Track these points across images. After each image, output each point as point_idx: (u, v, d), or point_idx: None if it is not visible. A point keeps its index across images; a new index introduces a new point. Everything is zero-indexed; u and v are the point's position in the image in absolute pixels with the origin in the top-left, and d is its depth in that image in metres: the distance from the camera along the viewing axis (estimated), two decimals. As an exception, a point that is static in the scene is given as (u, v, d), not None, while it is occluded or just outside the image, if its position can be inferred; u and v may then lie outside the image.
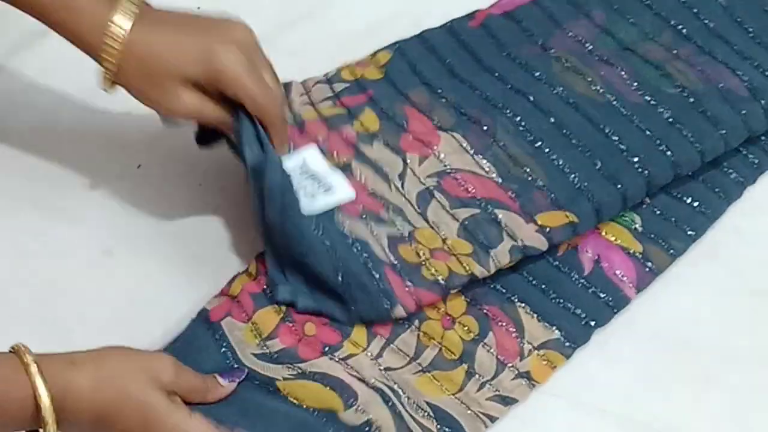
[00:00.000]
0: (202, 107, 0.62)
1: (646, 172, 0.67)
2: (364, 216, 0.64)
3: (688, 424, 0.62)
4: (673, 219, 0.70)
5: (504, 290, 0.65)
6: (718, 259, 0.69)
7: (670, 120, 0.70)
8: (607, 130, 0.69)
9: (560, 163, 0.68)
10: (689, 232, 0.69)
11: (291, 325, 0.62)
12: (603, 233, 0.69)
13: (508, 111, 0.70)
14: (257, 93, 0.61)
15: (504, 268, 0.66)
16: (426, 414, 0.59)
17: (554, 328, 0.64)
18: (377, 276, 0.61)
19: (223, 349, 0.60)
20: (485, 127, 0.69)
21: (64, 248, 0.68)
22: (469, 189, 0.66)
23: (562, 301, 0.65)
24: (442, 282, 0.62)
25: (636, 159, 0.68)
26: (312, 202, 0.64)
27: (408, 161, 0.67)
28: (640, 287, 0.67)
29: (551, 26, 0.76)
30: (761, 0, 0.78)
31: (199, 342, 0.61)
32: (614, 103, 0.71)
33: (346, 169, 0.67)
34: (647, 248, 0.68)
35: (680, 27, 0.76)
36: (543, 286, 0.66)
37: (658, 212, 0.70)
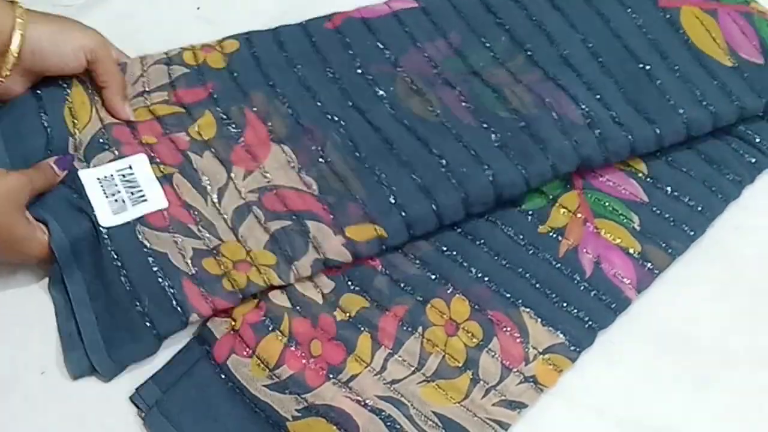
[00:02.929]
0: None
1: (462, 190, 0.67)
2: (170, 227, 0.65)
3: (688, 424, 0.62)
4: (671, 218, 0.70)
5: (508, 295, 0.66)
6: (718, 259, 0.69)
7: (498, 143, 0.69)
8: (431, 146, 0.69)
9: (380, 176, 0.68)
10: (689, 232, 0.69)
11: (295, 348, 0.62)
12: (602, 233, 0.69)
13: (341, 125, 0.70)
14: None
15: (507, 271, 0.67)
16: (433, 424, 0.60)
17: (559, 332, 0.64)
18: (171, 286, 0.62)
19: (230, 383, 0.61)
20: (316, 140, 0.69)
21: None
22: (288, 204, 0.67)
23: (565, 305, 0.66)
24: (238, 292, 0.63)
25: (454, 175, 0.67)
26: (121, 210, 0.65)
27: (233, 175, 0.68)
28: (640, 288, 0.67)
29: (407, 43, 0.75)
30: (622, 31, 0.76)
31: (206, 382, 0.61)
32: (446, 123, 0.70)
33: (168, 178, 0.67)
34: (646, 248, 0.68)
35: (531, 53, 0.74)
36: (547, 291, 0.66)
37: (657, 212, 0.70)
